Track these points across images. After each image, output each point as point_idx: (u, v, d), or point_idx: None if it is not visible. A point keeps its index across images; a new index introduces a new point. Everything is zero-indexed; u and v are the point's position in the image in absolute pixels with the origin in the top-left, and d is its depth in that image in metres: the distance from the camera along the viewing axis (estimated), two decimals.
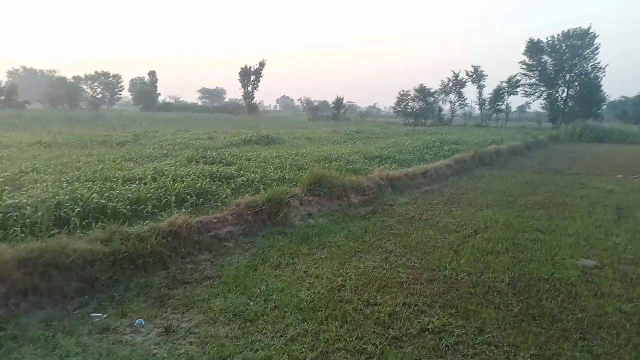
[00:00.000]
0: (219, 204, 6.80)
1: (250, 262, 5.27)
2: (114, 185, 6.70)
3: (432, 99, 59.29)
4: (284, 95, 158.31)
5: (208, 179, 7.96)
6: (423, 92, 58.32)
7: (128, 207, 5.94)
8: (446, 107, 60.55)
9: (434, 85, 63.21)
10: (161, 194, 6.67)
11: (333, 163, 10.83)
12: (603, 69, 46.96)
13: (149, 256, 4.90)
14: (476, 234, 6.71)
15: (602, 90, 48.37)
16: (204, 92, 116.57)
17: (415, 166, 12.00)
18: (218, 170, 8.73)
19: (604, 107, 54.00)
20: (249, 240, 6.10)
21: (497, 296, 4.45)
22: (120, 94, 78.82)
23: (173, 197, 6.61)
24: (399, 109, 60.55)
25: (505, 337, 3.65)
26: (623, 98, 60.17)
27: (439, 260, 5.48)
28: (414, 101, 59.00)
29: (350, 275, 4.91)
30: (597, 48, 46.55)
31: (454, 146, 17.41)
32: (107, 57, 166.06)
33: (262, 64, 73.02)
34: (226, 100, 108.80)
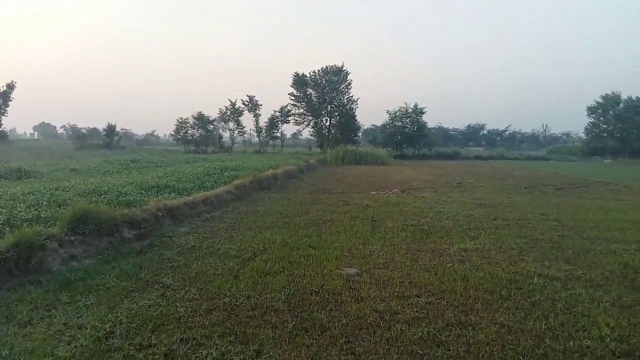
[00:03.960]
0: None
1: None
2: None
3: (212, 126, 59.98)
4: (44, 122, 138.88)
5: None
6: (202, 120, 58.54)
7: None
8: (226, 135, 62.05)
9: (212, 113, 63.76)
10: None
11: (103, 196, 9.80)
12: (356, 101, 55.14)
13: None
14: (255, 257, 6.89)
15: (357, 120, 56.62)
16: None
17: (196, 194, 11.77)
18: None
19: (360, 134, 63.16)
20: None
21: (274, 315, 4.61)
22: None
23: None
24: (179, 137, 59.41)
25: (281, 355, 3.78)
26: (373, 126, 71.35)
27: (219, 287, 5.43)
28: (194, 129, 58.75)
29: (121, 319, 4.43)
30: (350, 83, 54.48)
31: (234, 172, 17.77)
32: None
33: (10, 86, 62.72)
34: None
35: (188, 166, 20.46)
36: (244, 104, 60.33)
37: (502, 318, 4.59)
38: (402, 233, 8.76)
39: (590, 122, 61.21)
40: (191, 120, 59.00)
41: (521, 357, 3.76)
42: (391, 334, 4.17)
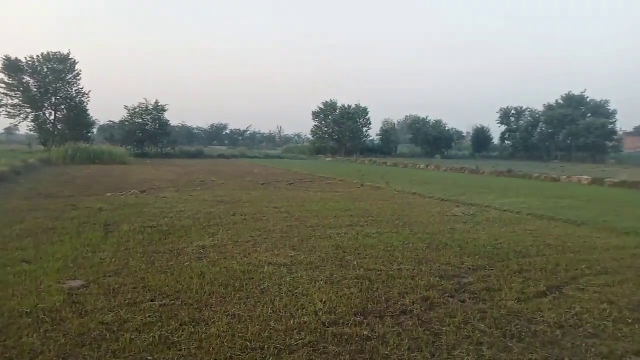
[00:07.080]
0: None
1: None
2: None
3: None
4: None
5: None
6: None
7: None
8: None
9: None
10: None
11: None
12: (87, 94, 49.50)
13: None
14: None
15: (89, 114, 50.96)
16: None
17: None
18: None
19: (94, 130, 57.18)
20: None
21: None
22: None
23: None
24: None
25: None
26: (111, 122, 65.38)
27: None
28: None
29: None
30: (78, 73, 48.60)
31: None
32: None
33: None
34: None
35: None
36: None
37: (234, 309, 4.80)
38: (139, 236, 8.30)
39: (315, 124, 70.17)
40: None
41: (248, 343, 4.00)
42: (118, 345, 3.87)
